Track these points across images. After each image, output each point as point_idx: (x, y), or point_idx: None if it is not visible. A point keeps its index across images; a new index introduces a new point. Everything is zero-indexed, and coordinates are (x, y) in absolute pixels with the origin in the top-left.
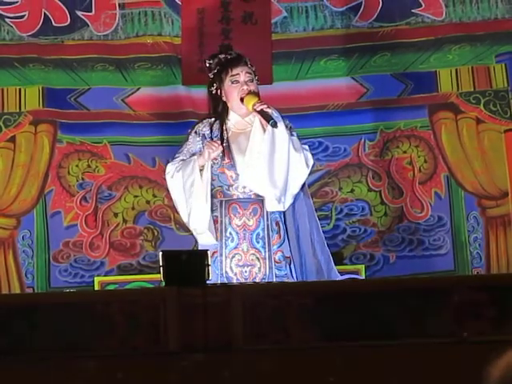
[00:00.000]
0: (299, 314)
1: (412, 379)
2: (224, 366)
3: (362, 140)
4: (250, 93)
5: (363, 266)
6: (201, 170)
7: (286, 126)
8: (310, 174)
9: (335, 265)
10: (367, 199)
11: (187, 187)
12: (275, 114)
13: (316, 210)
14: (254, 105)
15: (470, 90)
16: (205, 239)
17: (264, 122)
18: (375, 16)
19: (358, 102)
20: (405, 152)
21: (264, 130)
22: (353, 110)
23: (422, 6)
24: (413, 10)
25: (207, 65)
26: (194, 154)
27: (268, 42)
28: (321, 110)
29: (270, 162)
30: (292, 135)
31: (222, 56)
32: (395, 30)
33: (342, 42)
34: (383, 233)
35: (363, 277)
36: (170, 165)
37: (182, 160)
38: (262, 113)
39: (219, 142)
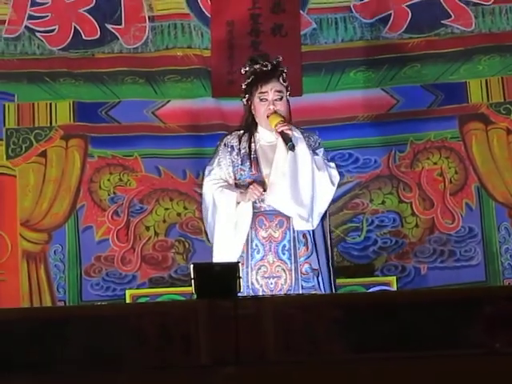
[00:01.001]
0: (330, 326)
1: None
2: (255, 378)
3: (393, 151)
4: (274, 112)
5: (394, 277)
6: (238, 203)
7: (311, 145)
8: (340, 186)
9: (366, 276)
10: (398, 210)
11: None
12: (296, 135)
13: (347, 222)
14: (276, 125)
15: (500, 100)
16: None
17: None
18: (404, 27)
19: (388, 113)
20: (435, 163)
21: (287, 151)
22: (383, 122)
23: (451, 16)
24: (442, 21)
25: (242, 71)
26: (222, 165)
27: (298, 53)
28: (351, 122)
29: (294, 183)
30: (316, 154)
31: (257, 66)
32: (425, 41)
33: (371, 54)
34: (414, 244)
35: (394, 288)
36: (208, 181)
37: (222, 180)
38: (282, 134)
39: (262, 189)
